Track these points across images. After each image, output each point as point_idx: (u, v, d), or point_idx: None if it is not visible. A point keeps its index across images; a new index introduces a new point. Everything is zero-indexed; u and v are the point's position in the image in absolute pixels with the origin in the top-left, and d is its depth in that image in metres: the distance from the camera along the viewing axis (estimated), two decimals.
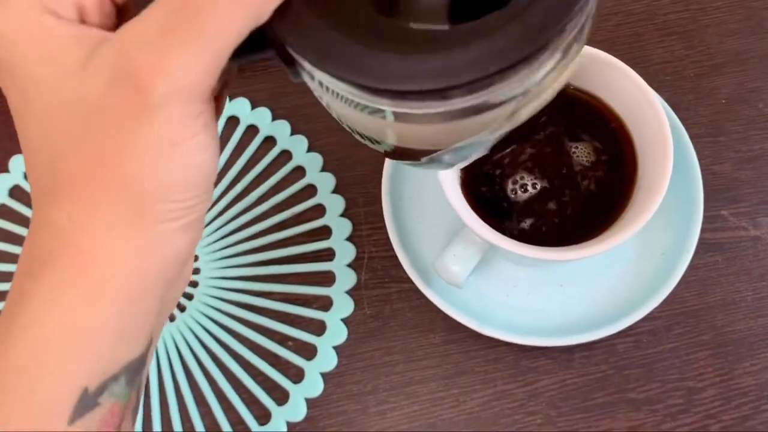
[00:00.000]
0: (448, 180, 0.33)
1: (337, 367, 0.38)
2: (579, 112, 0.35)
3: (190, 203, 0.19)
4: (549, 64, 0.18)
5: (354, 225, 0.40)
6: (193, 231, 0.20)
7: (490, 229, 0.32)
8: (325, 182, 0.41)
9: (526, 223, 0.34)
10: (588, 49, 0.33)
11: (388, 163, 0.39)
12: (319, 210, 0.41)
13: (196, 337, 0.39)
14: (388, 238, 0.40)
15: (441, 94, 0.18)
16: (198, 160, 0.19)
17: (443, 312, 0.37)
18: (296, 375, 0.38)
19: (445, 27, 0.18)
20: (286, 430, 0.37)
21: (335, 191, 0.41)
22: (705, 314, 0.37)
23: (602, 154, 0.35)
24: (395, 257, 0.39)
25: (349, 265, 0.40)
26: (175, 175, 0.18)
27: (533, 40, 0.17)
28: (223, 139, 0.43)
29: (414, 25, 0.19)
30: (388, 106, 0.18)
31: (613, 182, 0.34)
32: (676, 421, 0.35)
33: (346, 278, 0.39)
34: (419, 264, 0.37)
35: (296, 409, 0.37)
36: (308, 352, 0.38)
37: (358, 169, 0.42)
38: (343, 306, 0.39)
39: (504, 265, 0.38)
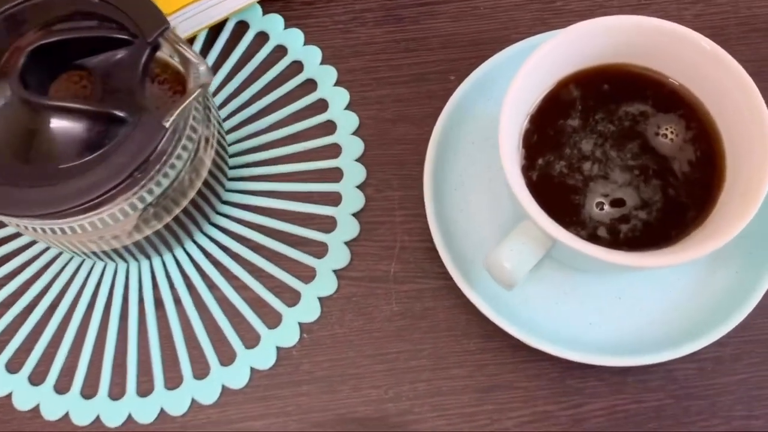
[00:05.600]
0: (511, 165, 0.28)
1: (357, 367, 0.33)
2: (657, 99, 0.31)
3: None
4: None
5: (387, 210, 0.36)
6: None
7: (555, 223, 0.27)
8: (353, 169, 0.37)
9: (593, 222, 0.29)
10: (665, 24, 0.29)
11: (433, 143, 0.34)
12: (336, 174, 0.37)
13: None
14: (424, 227, 0.35)
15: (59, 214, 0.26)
16: None
17: (480, 316, 0.33)
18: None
19: (61, 166, 0.26)
20: None
21: (359, 159, 0.37)
22: None
23: (684, 147, 0.30)
24: (432, 249, 0.35)
25: (347, 243, 0.35)
26: None
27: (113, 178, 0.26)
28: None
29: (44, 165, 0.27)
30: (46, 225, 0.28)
31: (696, 183, 0.30)
32: None
33: (339, 256, 0.35)
34: (460, 259, 0.33)
35: None
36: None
37: (395, 148, 0.37)
38: (323, 286, 0.35)
39: (556, 268, 0.33)
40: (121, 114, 0.26)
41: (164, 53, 0.31)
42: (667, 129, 0.31)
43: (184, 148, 0.28)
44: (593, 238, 0.29)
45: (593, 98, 0.31)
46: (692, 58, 0.29)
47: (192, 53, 0.28)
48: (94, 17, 0.29)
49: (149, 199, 0.28)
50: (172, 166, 0.28)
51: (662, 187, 0.30)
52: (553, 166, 0.30)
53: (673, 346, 0.31)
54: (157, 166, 0.27)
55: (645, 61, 0.31)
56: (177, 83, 0.31)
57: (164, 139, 0.26)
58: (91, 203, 0.25)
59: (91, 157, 0.26)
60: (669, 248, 0.28)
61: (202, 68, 0.28)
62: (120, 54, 0.28)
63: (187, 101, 0.26)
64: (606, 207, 0.30)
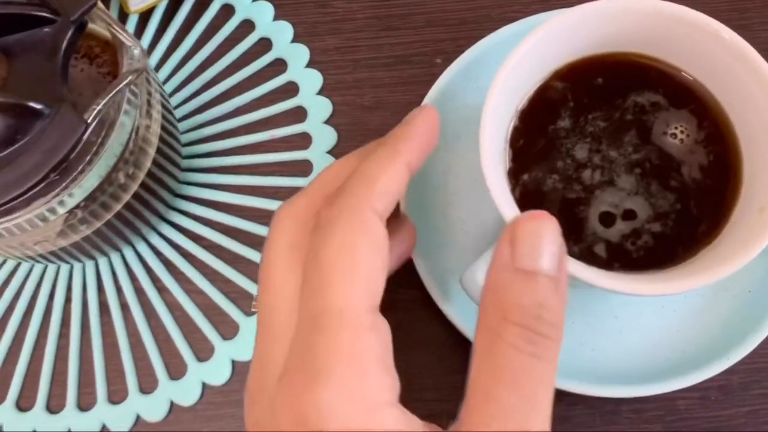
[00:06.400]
0: (492, 167, 0.24)
1: None
2: (667, 94, 0.27)
3: None
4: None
5: None
6: None
7: None
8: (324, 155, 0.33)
9: (591, 237, 0.26)
10: (680, 10, 0.25)
11: None
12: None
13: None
14: None
15: None
16: None
17: (461, 334, 0.29)
18: None
19: None
20: None
21: (330, 151, 0.33)
22: None
23: (695, 149, 0.26)
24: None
25: None
26: None
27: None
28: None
29: None
30: None
31: (708, 192, 0.26)
32: None
33: None
34: (439, 269, 0.29)
35: None
36: None
37: (372, 139, 0.33)
38: None
39: None
40: (36, 105, 0.23)
41: (104, 29, 0.27)
42: (677, 128, 0.27)
43: (116, 142, 0.24)
44: (587, 255, 0.25)
45: (593, 92, 0.27)
46: (709, 50, 0.25)
47: (125, 34, 0.24)
48: None
49: (72, 202, 0.24)
50: (101, 165, 0.24)
51: (669, 197, 0.26)
52: (544, 170, 0.26)
53: (674, 374, 0.28)
54: (81, 166, 0.23)
55: (655, 51, 0.26)
56: (117, 65, 0.27)
57: (86, 135, 0.22)
58: (1, 209, 0.22)
59: None
60: (672, 270, 0.24)
61: (136, 51, 0.24)
62: (40, 34, 0.24)
63: (114, 91, 0.23)
64: (617, 220, 0.26)
